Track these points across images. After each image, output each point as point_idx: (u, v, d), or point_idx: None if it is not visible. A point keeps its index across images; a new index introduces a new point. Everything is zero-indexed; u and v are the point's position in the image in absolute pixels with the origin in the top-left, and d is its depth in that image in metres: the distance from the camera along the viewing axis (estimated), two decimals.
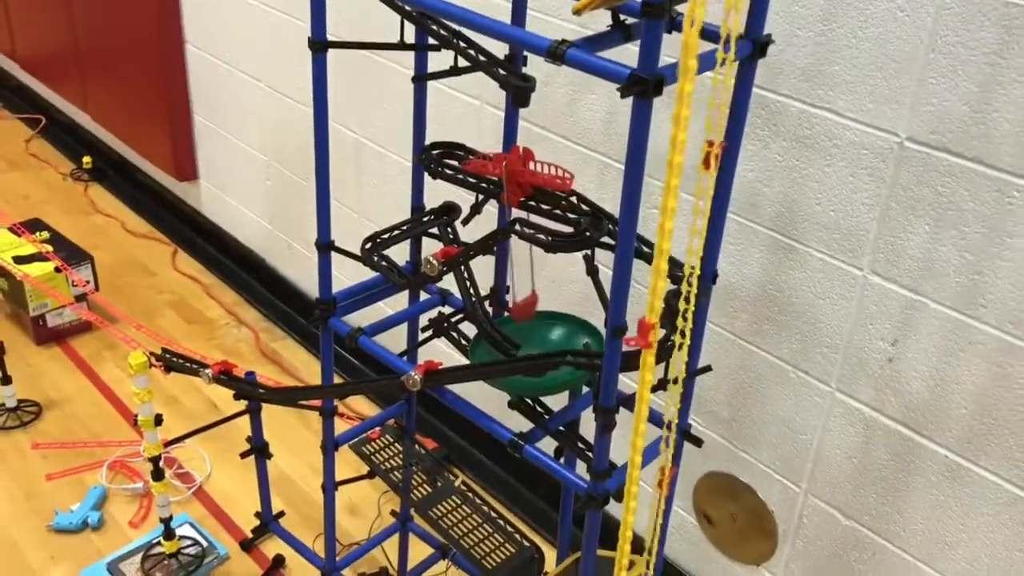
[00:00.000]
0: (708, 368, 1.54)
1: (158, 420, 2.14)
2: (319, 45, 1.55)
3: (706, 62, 1.10)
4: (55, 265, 3.06)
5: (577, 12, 1.21)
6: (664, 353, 1.36)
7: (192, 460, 2.70)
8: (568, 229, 1.44)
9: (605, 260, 1.41)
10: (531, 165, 1.46)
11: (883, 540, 1.86)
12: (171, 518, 2.30)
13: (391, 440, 2.06)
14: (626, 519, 1.34)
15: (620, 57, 1.15)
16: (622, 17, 1.30)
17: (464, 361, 1.60)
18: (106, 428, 2.80)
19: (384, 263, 1.65)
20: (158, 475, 2.21)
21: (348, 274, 2.02)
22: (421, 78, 1.59)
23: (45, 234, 3.24)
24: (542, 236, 1.39)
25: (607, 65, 1.14)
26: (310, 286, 3.25)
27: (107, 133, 4.09)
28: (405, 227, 1.75)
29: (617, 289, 1.26)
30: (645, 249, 1.53)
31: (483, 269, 1.70)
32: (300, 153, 3.02)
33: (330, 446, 1.92)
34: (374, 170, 2.74)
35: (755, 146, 1.79)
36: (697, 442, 1.58)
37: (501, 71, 1.39)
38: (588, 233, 1.40)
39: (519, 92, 1.35)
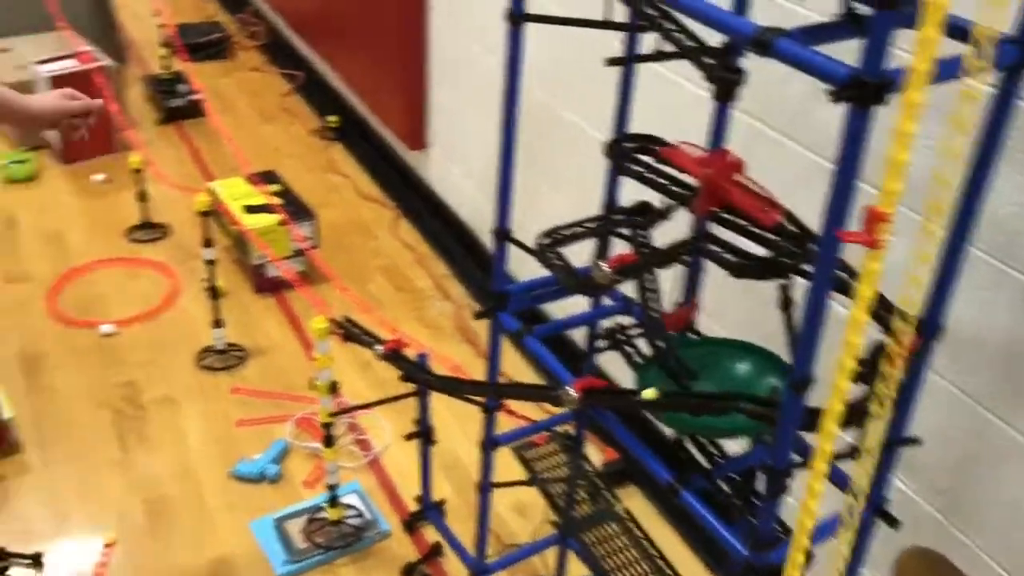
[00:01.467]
0: (915, 440, 1.27)
1: (333, 387, 2.12)
2: (517, 17, 1.41)
3: (950, 67, 0.85)
4: (279, 219, 3.16)
5: None
6: (857, 417, 1.11)
7: (374, 428, 2.70)
8: (764, 252, 1.23)
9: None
10: (737, 177, 1.25)
11: None
12: (337, 486, 2.29)
13: (558, 449, 1.93)
14: None
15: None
16: (854, 6, 1.06)
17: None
18: (303, 383, 2.85)
19: (558, 261, 1.50)
20: (329, 441, 2.20)
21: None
22: (618, 61, 1.42)
23: (277, 187, 3.36)
24: (729, 256, 1.19)
25: (821, 61, 0.92)
26: (517, 269, 3.16)
27: (352, 94, 4.20)
28: (590, 224, 1.59)
29: (807, 334, 1.04)
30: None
31: (671, 277, 1.51)
32: (529, 134, 2.91)
33: (489, 445, 1.81)
34: (591, 158, 2.59)
35: (1014, 172, 1.47)
36: (892, 522, 1.32)
37: (707, 59, 1.20)
38: (786, 259, 1.18)
39: (721, 84, 1.15)
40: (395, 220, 3.74)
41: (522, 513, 2.45)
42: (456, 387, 1.78)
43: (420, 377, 1.86)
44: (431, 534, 2.37)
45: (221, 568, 2.26)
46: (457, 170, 3.48)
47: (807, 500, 1.03)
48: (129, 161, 3.33)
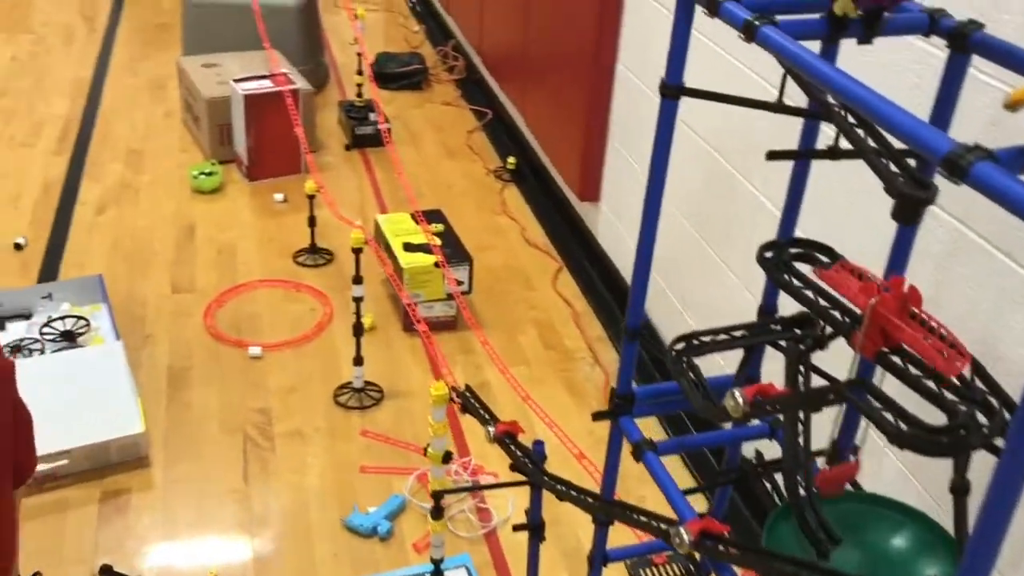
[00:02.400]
0: None
1: (447, 457, 1.98)
2: (672, 90, 1.23)
3: None
4: (436, 260, 3.08)
5: (1010, 107, 0.76)
6: None
7: (497, 497, 2.54)
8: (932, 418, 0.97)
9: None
10: (912, 312, 1.01)
11: None
12: (442, 560, 2.14)
13: (680, 572, 1.70)
14: None
15: None
16: None
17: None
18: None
19: (690, 373, 1.29)
20: (437, 513, 2.05)
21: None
22: (781, 155, 1.20)
23: (440, 227, 3.29)
24: (890, 418, 0.95)
25: None
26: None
27: (533, 138, 4.11)
28: (737, 333, 1.36)
29: (985, 534, 0.79)
30: None
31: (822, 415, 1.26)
32: (702, 202, 2.70)
33: (598, 559, 1.61)
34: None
35: None
36: None
37: (892, 167, 0.96)
38: (963, 433, 0.92)
39: (903, 202, 0.92)
40: (557, 271, 3.59)
41: None
42: (563, 493, 1.59)
43: (529, 471, 1.68)
44: None
45: None
46: (624, 228, 3.30)
47: None
48: (304, 186, 3.36)
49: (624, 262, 3.35)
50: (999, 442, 0.99)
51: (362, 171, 4.25)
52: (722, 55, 2.43)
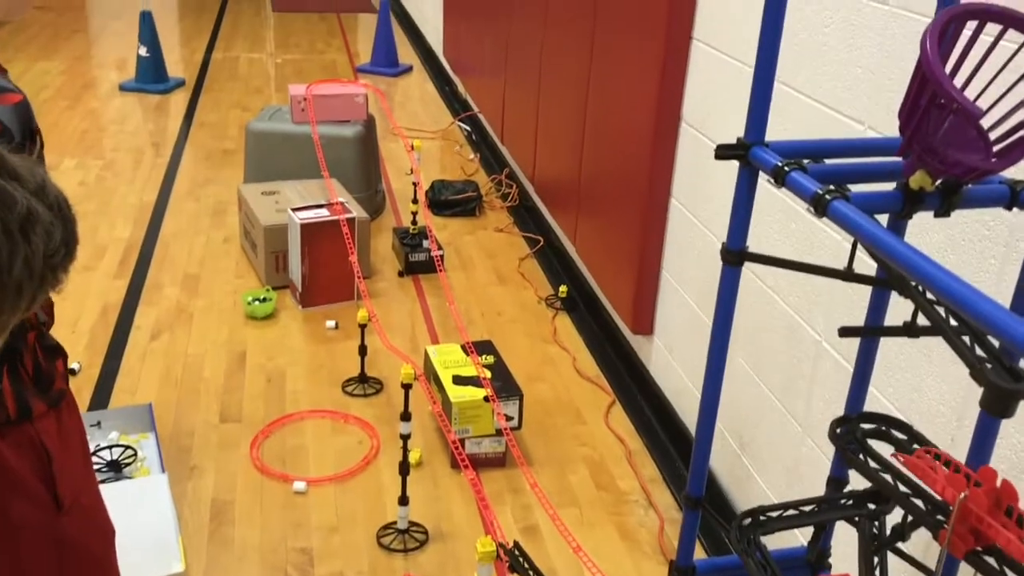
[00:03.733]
0: None
1: None
2: (734, 256, 1.18)
3: None
4: (485, 394, 3.03)
5: None
6: None
7: None
8: None
9: None
10: (1007, 511, 0.92)
11: None
12: None
13: None
14: None
15: None
16: None
17: None
18: None
19: (757, 553, 1.20)
20: None
21: None
22: (853, 331, 1.13)
23: (490, 359, 3.25)
24: None
25: None
26: (740, 496, 2.81)
27: (585, 267, 4.09)
28: (807, 507, 1.27)
29: None
30: None
31: None
32: (762, 346, 2.63)
33: None
34: (832, 386, 2.25)
35: None
36: None
37: (979, 352, 0.90)
38: None
39: (994, 394, 0.85)
40: (609, 405, 3.50)
41: None
42: None
43: None
44: None
45: None
46: (679, 364, 3.22)
47: None
48: (357, 314, 3.36)
49: (678, 399, 3.26)
50: None
51: (414, 297, 4.25)
52: (787, 203, 2.39)
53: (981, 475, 0.95)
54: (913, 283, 0.97)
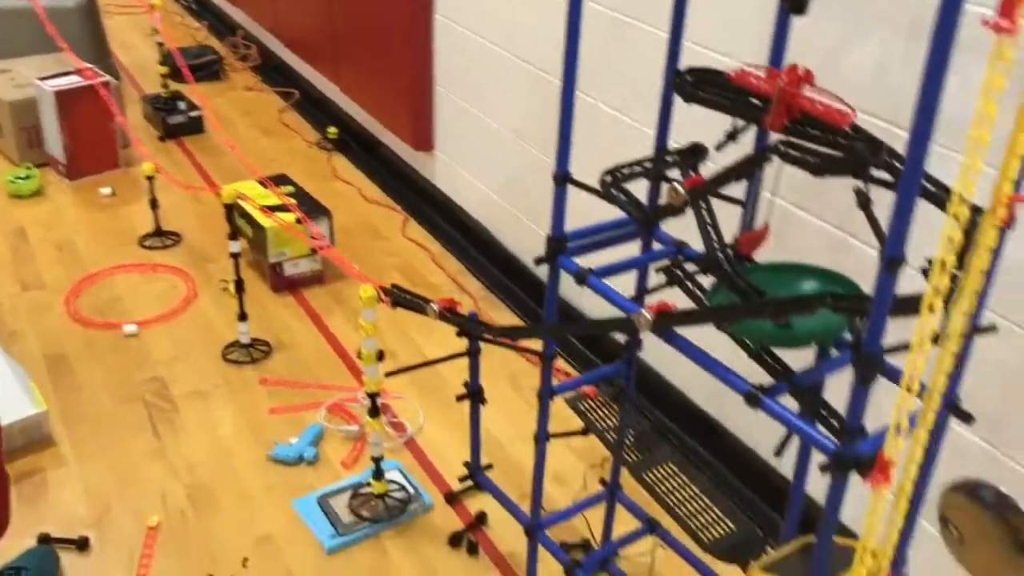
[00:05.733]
0: (992, 328, 1.34)
1: (380, 356, 2.16)
2: (561, 179, 1.51)
3: None
4: (296, 217, 3.20)
5: None
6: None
7: (406, 412, 2.72)
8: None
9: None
10: (807, 90, 1.32)
11: None
12: (382, 458, 2.31)
13: (606, 401, 1.97)
14: (875, 507, 1.17)
15: None
16: None
17: None
18: (329, 374, 2.87)
19: (624, 196, 1.56)
20: (375, 412, 2.22)
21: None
22: None
23: (290, 188, 3.40)
24: (810, 158, 1.26)
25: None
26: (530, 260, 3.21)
27: (352, 106, 4.27)
28: (647, 163, 1.65)
29: (899, 212, 1.10)
30: (932, 189, 1.33)
31: (726, 217, 1.57)
32: (541, 126, 2.99)
33: (546, 394, 1.84)
34: (610, 136, 2.67)
35: None
36: (967, 418, 1.38)
37: None
38: (864, 157, 1.24)
39: None
40: (403, 222, 3.78)
41: (561, 482, 2.48)
42: (513, 334, 1.82)
43: (476, 330, 1.90)
44: (473, 505, 2.40)
45: (267, 546, 2.26)
46: (465, 170, 3.55)
47: (901, 398, 1.10)
48: (142, 168, 3.37)
49: (467, 202, 3.60)
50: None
51: (182, 158, 4.24)
52: None
53: (790, 70, 1.34)
54: None
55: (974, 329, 1.30)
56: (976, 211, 1.22)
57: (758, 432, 2.30)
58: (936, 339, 1.16)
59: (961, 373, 1.37)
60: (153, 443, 2.56)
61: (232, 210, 2.78)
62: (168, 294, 3.24)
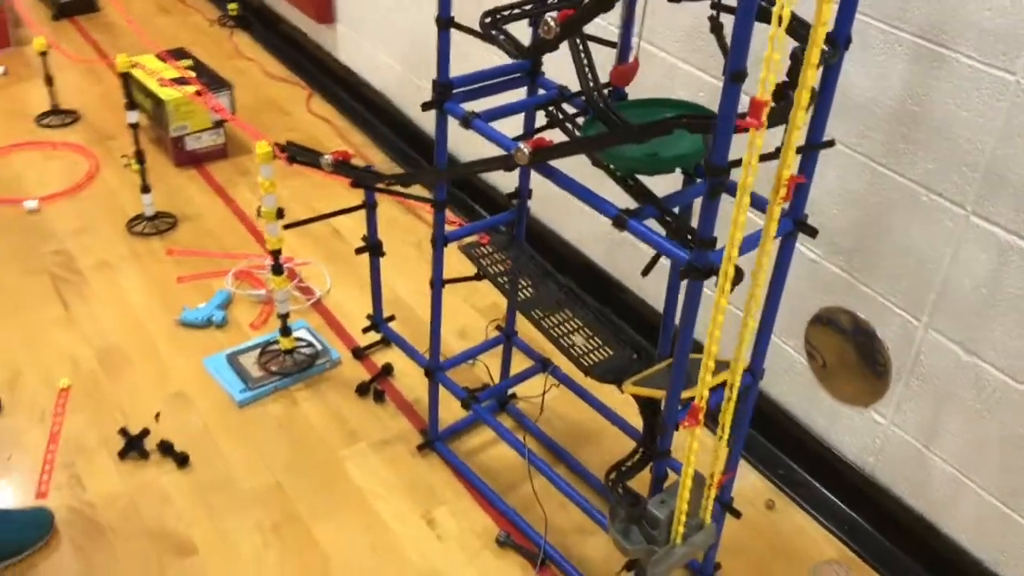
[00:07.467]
0: (831, 143, 1.46)
1: (280, 213, 2.21)
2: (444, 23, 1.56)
3: None
4: (196, 89, 3.17)
5: None
6: (779, 116, 1.29)
7: (314, 277, 2.79)
8: None
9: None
10: None
11: (1006, 377, 1.75)
12: (288, 315, 2.39)
13: (499, 248, 2.07)
14: (719, 302, 1.29)
15: None
16: None
17: None
18: (236, 243, 2.91)
19: (502, 36, 1.63)
20: (278, 269, 2.29)
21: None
22: None
23: (189, 62, 3.36)
24: None
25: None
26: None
27: None
28: (527, 6, 1.71)
29: (738, 33, 1.20)
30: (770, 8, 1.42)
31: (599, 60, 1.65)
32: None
33: (440, 240, 1.94)
34: None
35: None
36: (811, 232, 1.51)
37: None
38: None
39: None
40: (307, 97, 3.77)
41: (464, 336, 2.60)
42: (405, 179, 1.90)
43: (371, 179, 1.97)
44: (379, 359, 2.50)
45: (179, 401, 2.34)
46: (366, 41, 3.54)
47: (736, 214, 1.22)
48: (34, 44, 3.28)
49: (370, 74, 3.60)
50: None
51: (76, 36, 4.13)
52: None
53: None
54: None
55: (809, 145, 1.42)
56: (806, 28, 1.33)
57: (649, 286, 2.45)
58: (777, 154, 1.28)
59: (807, 193, 1.50)
60: (62, 313, 2.59)
61: (128, 79, 2.75)
62: (70, 171, 3.21)
